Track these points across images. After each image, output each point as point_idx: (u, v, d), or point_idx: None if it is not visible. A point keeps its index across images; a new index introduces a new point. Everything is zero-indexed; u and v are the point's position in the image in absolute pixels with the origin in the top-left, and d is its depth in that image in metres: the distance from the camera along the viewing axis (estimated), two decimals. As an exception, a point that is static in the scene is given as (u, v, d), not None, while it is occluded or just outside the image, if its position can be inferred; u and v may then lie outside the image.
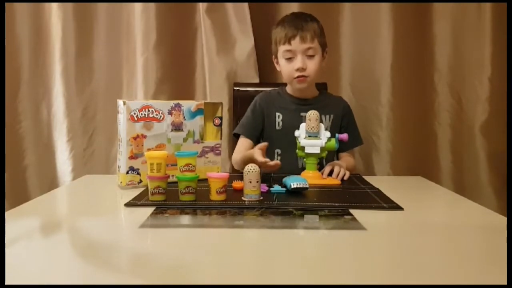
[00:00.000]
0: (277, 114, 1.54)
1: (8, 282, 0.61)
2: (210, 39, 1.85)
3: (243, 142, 1.56)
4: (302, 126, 1.35)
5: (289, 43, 1.44)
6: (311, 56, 1.46)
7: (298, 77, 1.47)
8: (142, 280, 0.65)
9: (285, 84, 1.61)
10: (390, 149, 1.85)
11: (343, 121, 1.56)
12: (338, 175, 1.34)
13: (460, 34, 1.82)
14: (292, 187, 1.12)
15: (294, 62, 1.46)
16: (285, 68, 1.49)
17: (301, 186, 1.12)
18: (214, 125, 1.38)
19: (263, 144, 1.34)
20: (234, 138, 1.67)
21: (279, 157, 1.52)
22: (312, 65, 1.46)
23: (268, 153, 1.53)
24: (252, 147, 1.55)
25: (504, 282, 0.62)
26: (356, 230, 0.88)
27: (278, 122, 1.53)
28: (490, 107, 1.80)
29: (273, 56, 1.57)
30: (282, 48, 1.47)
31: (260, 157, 1.27)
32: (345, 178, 1.34)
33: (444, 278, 0.65)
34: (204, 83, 1.91)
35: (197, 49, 1.93)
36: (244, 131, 1.56)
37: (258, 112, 1.56)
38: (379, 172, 1.85)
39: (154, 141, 1.26)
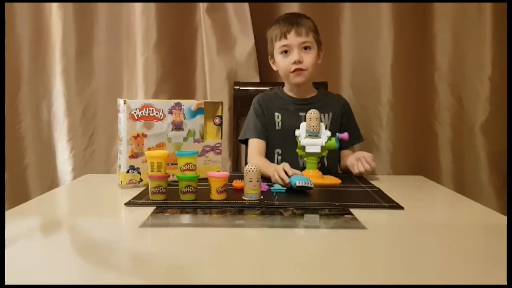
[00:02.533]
0: (277, 114, 1.54)
1: (8, 282, 0.61)
2: (210, 38, 1.85)
3: (256, 143, 1.52)
4: (303, 125, 1.35)
5: (285, 37, 1.46)
6: (307, 50, 1.47)
7: (295, 70, 1.47)
8: (142, 279, 0.65)
9: (282, 85, 1.61)
10: (390, 149, 1.85)
11: (342, 118, 1.56)
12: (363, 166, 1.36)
13: (460, 34, 1.82)
14: (297, 185, 1.12)
15: (290, 56, 1.46)
16: (282, 63, 1.49)
17: (306, 185, 1.12)
18: (215, 124, 1.38)
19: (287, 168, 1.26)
20: (235, 140, 1.66)
21: (279, 157, 1.52)
22: (308, 59, 1.47)
23: (268, 154, 1.54)
24: (265, 147, 1.54)
25: (504, 282, 0.62)
26: (357, 229, 0.88)
27: (278, 122, 1.53)
28: (490, 107, 1.79)
29: (269, 57, 1.57)
30: (278, 44, 1.48)
31: (288, 170, 1.22)
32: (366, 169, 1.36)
33: (444, 278, 0.65)
34: (205, 83, 1.91)
35: (198, 49, 1.92)
36: (254, 134, 1.53)
37: (261, 113, 1.55)
38: (380, 171, 1.85)
39: (155, 140, 1.26)
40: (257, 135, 1.53)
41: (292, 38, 1.45)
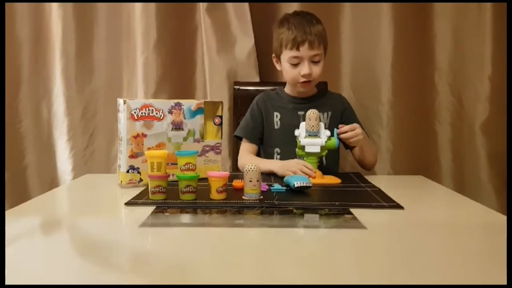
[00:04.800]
0: (275, 113, 1.54)
1: (8, 282, 0.61)
2: (210, 38, 1.85)
3: (247, 147, 1.55)
4: (302, 125, 1.35)
5: (297, 49, 1.42)
6: (316, 62, 1.45)
7: (303, 82, 1.47)
8: (142, 279, 0.65)
9: (284, 84, 1.61)
10: (390, 148, 1.85)
11: (342, 117, 1.56)
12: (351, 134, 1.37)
13: (460, 33, 1.82)
14: (296, 186, 1.12)
15: (300, 67, 1.44)
16: (291, 72, 1.47)
17: (304, 185, 1.12)
18: (215, 124, 1.38)
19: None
20: (235, 139, 1.67)
21: (278, 156, 1.52)
22: (317, 71, 1.46)
23: (268, 153, 1.54)
24: (256, 150, 1.55)
25: (504, 282, 0.62)
26: (357, 229, 0.88)
27: (276, 122, 1.54)
28: (490, 106, 1.80)
29: (273, 55, 1.55)
30: (289, 53, 1.44)
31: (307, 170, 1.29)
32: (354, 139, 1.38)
33: (444, 278, 0.65)
34: (205, 82, 1.91)
35: (198, 48, 1.93)
36: (246, 135, 1.56)
37: (257, 114, 1.56)
38: (380, 171, 1.85)
39: (155, 140, 1.26)
40: (244, 135, 1.56)
41: (305, 51, 1.42)
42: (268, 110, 1.55)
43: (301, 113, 1.49)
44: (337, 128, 1.39)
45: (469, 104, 1.83)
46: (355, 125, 1.39)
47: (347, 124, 1.53)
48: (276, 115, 1.54)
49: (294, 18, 1.48)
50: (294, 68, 1.46)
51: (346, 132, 1.37)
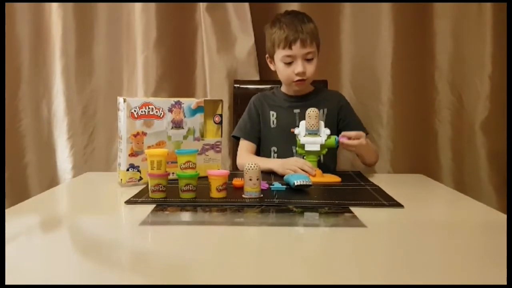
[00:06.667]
0: (271, 112, 1.54)
1: (7, 280, 0.61)
2: (210, 37, 1.85)
3: (246, 146, 1.55)
4: (302, 123, 1.35)
5: (290, 47, 1.42)
6: (310, 60, 1.45)
7: (297, 80, 1.46)
8: (143, 278, 0.65)
9: (281, 84, 1.60)
10: (390, 147, 1.85)
11: (340, 114, 1.55)
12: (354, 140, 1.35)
13: (460, 32, 1.82)
14: (296, 184, 1.12)
15: (293, 66, 1.45)
16: (284, 71, 1.47)
17: (304, 183, 1.12)
18: (215, 122, 1.38)
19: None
20: (233, 140, 1.68)
21: (275, 155, 1.52)
22: (311, 69, 1.46)
23: (265, 151, 1.54)
24: (255, 149, 1.56)
25: (504, 282, 0.62)
26: (356, 227, 0.88)
27: (273, 121, 1.54)
28: (490, 105, 1.80)
29: (267, 56, 1.56)
30: (281, 53, 1.45)
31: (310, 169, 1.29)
32: (355, 143, 1.35)
33: (444, 277, 0.65)
34: (205, 81, 1.91)
35: (198, 47, 1.93)
36: (244, 135, 1.56)
37: (254, 114, 1.56)
38: (380, 169, 1.85)
39: (155, 138, 1.26)
40: (243, 135, 1.56)
41: (297, 50, 1.42)
42: (264, 109, 1.56)
43: (296, 111, 1.49)
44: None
45: (469, 103, 1.83)
46: (361, 133, 1.37)
47: (344, 120, 1.53)
48: (272, 114, 1.54)
49: (285, 17, 1.48)
50: (287, 67, 1.46)
51: (350, 137, 1.35)
